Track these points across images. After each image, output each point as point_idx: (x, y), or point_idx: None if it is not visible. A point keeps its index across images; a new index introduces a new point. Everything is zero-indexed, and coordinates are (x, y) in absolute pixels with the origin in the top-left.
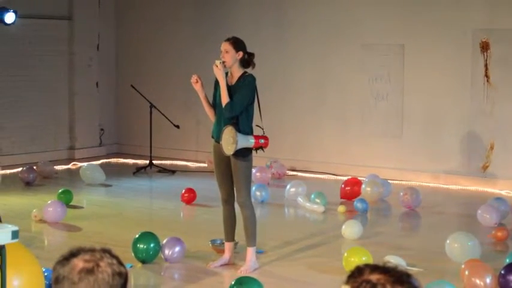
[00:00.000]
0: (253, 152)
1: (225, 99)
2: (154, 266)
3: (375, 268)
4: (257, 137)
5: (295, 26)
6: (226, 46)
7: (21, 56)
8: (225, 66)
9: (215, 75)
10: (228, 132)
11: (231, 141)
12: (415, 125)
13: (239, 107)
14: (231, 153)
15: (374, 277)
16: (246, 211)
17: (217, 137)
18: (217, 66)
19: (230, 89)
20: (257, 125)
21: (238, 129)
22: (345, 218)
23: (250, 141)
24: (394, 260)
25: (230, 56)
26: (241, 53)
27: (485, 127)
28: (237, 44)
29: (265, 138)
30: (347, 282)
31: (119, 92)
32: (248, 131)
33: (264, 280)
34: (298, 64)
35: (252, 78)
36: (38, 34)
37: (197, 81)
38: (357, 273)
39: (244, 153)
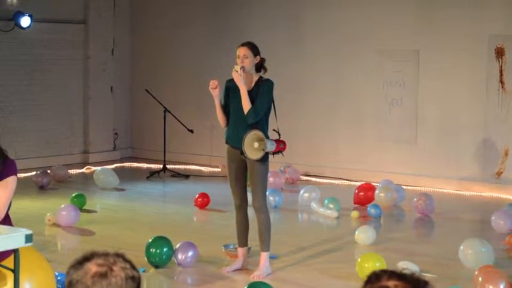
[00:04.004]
0: (270, 156)
1: (247, 105)
2: (167, 271)
3: (392, 274)
4: (277, 141)
5: (310, 32)
6: (245, 51)
7: (36, 59)
8: (244, 71)
9: (235, 81)
10: (253, 136)
11: (256, 145)
12: (429, 131)
13: (262, 111)
14: (258, 157)
15: (391, 283)
16: (262, 216)
17: (233, 142)
18: (237, 71)
19: (248, 93)
20: (273, 129)
21: None
22: (358, 223)
23: (273, 146)
24: (407, 266)
25: (250, 60)
26: (258, 58)
27: (499, 133)
28: (255, 48)
29: (283, 142)
30: (364, 287)
31: (133, 97)
32: (267, 135)
33: (277, 285)
34: (313, 69)
35: (271, 83)
36: (53, 38)
37: (216, 87)
38: (374, 279)
39: (263, 158)
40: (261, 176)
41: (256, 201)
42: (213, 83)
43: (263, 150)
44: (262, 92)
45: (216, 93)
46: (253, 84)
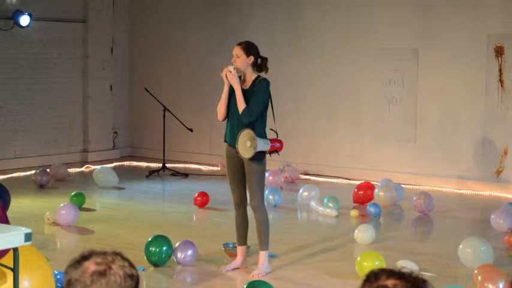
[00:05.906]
0: (267, 155)
1: (241, 105)
2: (166, 269)
3: (391, 273)
4: (272, 141)
5: (310, 31)
6: (237, 51)
7: (35, 58)
8: (237, 71)
9: (229, 81)
10: (246, 135)
11: (248, 144)
12: (428, 130)
13: (256, 112)
14: (250, 156)
15: (390, 282)
16: (259, 215)
17: (230, 140)
18: (230, 72)
19: (244, 93)
20: (271, 129)
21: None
22: (357, 222)
23: (267, 145)
24: (406, 264)
25: (241, 60)
26: (252, 58)
27: (499, 132)
28: (249, 48)
29: (280, 142)
30: (363, 286)
31: (132, 95)
32: (263, 135)
33: (276, 284)
34: (312, 68)
35: (267, 82)
36: (52, 37)
37: (228, 73)
38: (373, 278)
39: (258, 157)
40: (257, 175)
41: (253, 200)
42: (226, 70)
43: (254, 149)
44: (257, 91)
45: (228, 81)
46: (249, 84)
